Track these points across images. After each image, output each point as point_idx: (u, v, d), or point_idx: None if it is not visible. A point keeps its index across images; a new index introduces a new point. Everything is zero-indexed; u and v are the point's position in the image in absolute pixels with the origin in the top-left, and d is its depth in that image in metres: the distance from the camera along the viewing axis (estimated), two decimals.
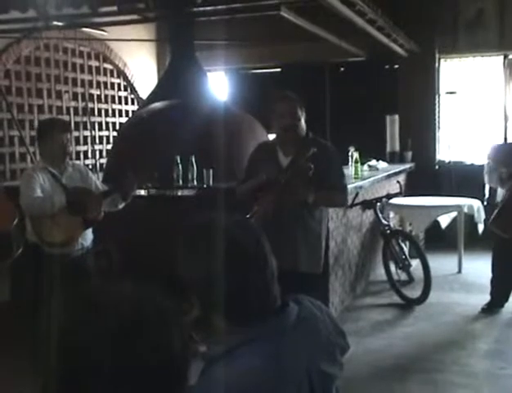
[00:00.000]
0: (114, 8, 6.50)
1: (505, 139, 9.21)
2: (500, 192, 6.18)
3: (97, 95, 9.67)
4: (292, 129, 4.05)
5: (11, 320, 5.50)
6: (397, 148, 9.46)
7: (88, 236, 4.56)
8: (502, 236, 5.97)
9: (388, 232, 6.71)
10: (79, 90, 9.30)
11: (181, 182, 5.88)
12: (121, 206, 4.60)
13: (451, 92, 9.61)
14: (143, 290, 1.17)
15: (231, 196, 4.32)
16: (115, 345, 1.07)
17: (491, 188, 6.69)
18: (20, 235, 4.39)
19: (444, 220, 7.69)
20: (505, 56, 9.38)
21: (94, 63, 9.61)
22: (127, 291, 1.16)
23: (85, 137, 9.34)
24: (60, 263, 4.13)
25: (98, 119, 9.69)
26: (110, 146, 9.20)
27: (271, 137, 5.72)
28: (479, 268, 7.33)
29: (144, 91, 9.97)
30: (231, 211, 1.68)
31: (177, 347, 1.13)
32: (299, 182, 3.94)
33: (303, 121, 4.09)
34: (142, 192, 5.42)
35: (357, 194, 6.43)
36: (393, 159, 9.26)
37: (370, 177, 7.00)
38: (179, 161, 5.86)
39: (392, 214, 7.85)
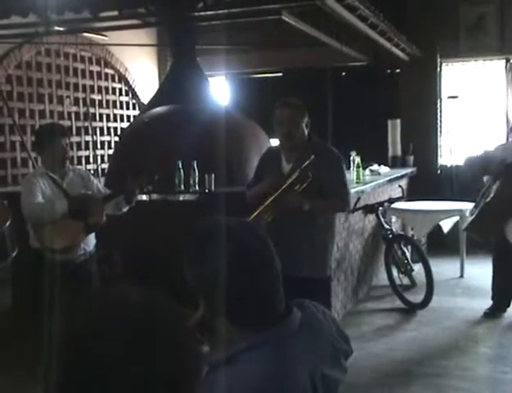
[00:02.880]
0: (115, 13, 6.50)
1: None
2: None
3: (98, 100, 9.68)
4: (289, 136, 4.09)
5: (12, 327, 5.49)
6: (399, 153, 9.45)
7: (91, 241, 4.55)
8: (478, 240, 5.93)
9: (390, 236, 6.69)
10: (80, 95, 9.31)
11: (182, 187, 5.87)
12: (125, 210, 4.58)
13: (453, 97, 9.61)
14: (149, 293, 1.16)
15: (234, 201, 4.34)
16: (125, 350, 1.06)
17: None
18: (15, 236, 4.37)
19: (446, 225, 7.68)
20: (507, 60, 9.38)
21: (95, 68, 9.61)
22: (134, 295, 1.15)
23: (86, 143, 9.34)
24: (63, 268, 4.12)
25: (99, 124, 9.70)
26: (111, 151, 9.20)
27: (273, 141, 5.74)
28: (482, 272, 7.31)
29: (145, 96, 9.97)
30: (233, 216, 1.67)
31: (188, 351, 1.13)
32: (295, 190, 3.97)
33: (303, 127, 4.10)
34: (144, 197, 5.42)
35: (358, 199, 6.42)
36: (395, 163, 9.25)
37: (371, 181, 6.99)
38: (181, 166, 5.86)
39: (394, 219, 7.84)
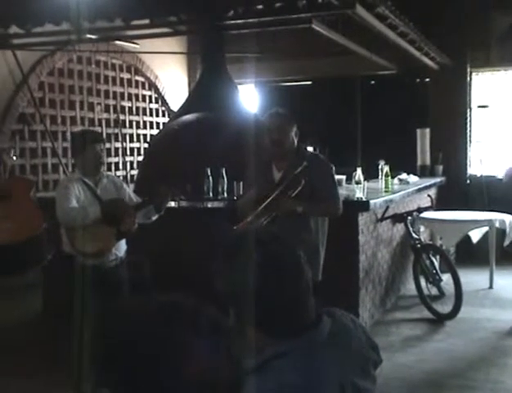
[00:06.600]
0: (147, 21, 6.57)
1: None
2: None
3: (129, 107, 9.77)
4: (278, 144, 4.24)
5: (43, 330, 5.56)
6: (428, 162, 9.40)
7: (122, 247, 4.58)
8: None
9: (419, 246, 6.65)
10: (111, 102, 9.41)
11: (211, 194, 5.90)
12: (154, 218, 4.62)
13: (483, 106, 9.53)
14: (192, 298, 1.18)
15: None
16: (172, 354, 1.08)
17: None
18: (50, 240, 4.45)
19: (475, 235, 7.60)
20: None
21: (126, 75, 9.72)
22: (184, 302, 1.17)
23: (116, 149, 9.44)
24: (95, 273, 4.17)
25: (129, 130, 9.79)
26: (141, 158, 9.28)
27: None
28: (511, 283, 7.23)
29: (175, 103, 10.05)
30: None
31: (230, 356, 1.14)
32: (288, 195, 4.12)
33: (292, 136, 4.27)
34: (173, 204, 5.45)
35: (387, 208, 6.39)
36: (424, 173, 9.20)
37: (400, 190, 6.96)
38: (210, 174, 5.89)
39: (422, 228, 7.78)
